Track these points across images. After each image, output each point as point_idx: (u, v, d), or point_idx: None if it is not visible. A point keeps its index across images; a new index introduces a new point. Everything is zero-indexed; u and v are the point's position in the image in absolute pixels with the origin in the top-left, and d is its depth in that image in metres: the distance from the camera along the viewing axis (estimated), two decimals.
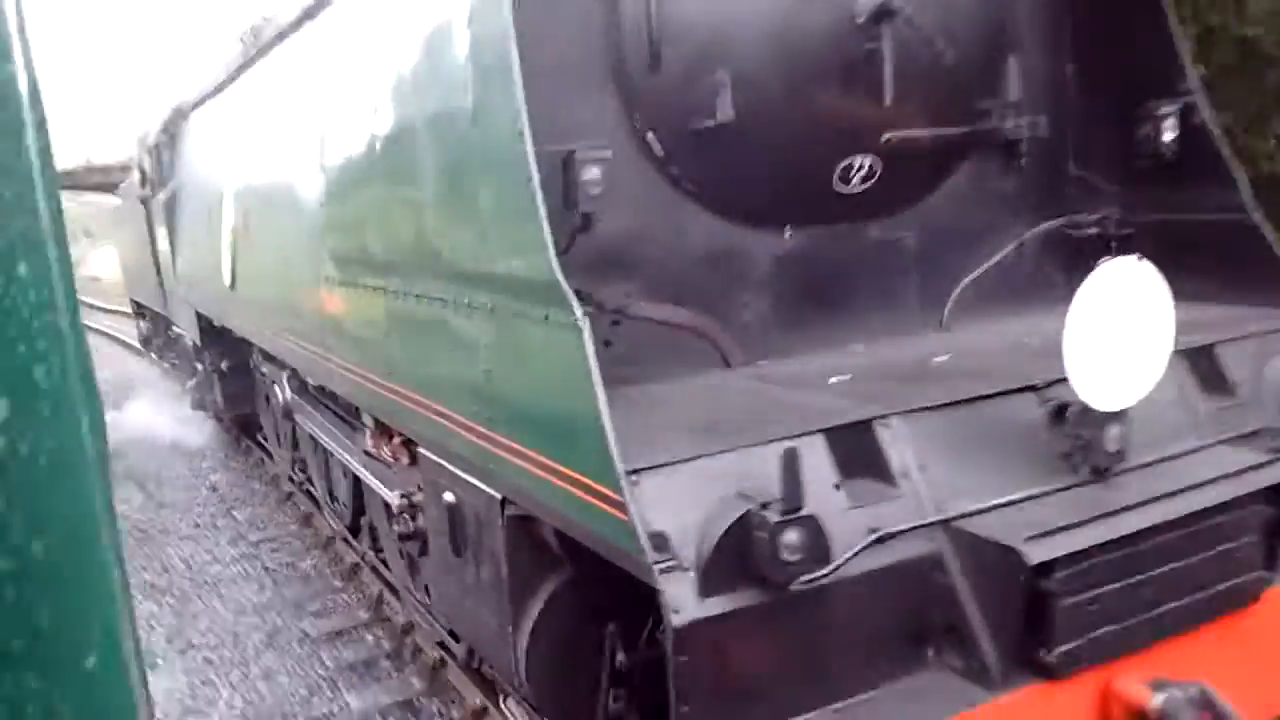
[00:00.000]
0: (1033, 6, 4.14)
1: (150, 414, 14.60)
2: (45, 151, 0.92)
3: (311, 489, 8.13)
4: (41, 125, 0.91)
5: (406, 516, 4.56)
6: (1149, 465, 2.99)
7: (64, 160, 60.15)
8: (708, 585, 2.46)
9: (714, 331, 3.66)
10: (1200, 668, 2.77)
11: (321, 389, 6.24)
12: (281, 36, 5.77)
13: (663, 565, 2.44)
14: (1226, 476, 2.94)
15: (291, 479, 9.11)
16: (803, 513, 2.43)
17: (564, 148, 3.17)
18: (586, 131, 3.37)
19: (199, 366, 11.39)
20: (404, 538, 4.62)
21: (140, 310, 17.98)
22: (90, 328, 26.13)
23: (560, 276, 2.76)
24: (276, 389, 7.53)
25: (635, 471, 2.53)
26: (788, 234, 3.84)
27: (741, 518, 2.47)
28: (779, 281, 3.85)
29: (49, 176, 0.92)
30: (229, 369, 9.90)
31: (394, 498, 4.76)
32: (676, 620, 2.40)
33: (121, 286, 21.81)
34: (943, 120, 3.76)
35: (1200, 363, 3.35)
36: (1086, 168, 4.26)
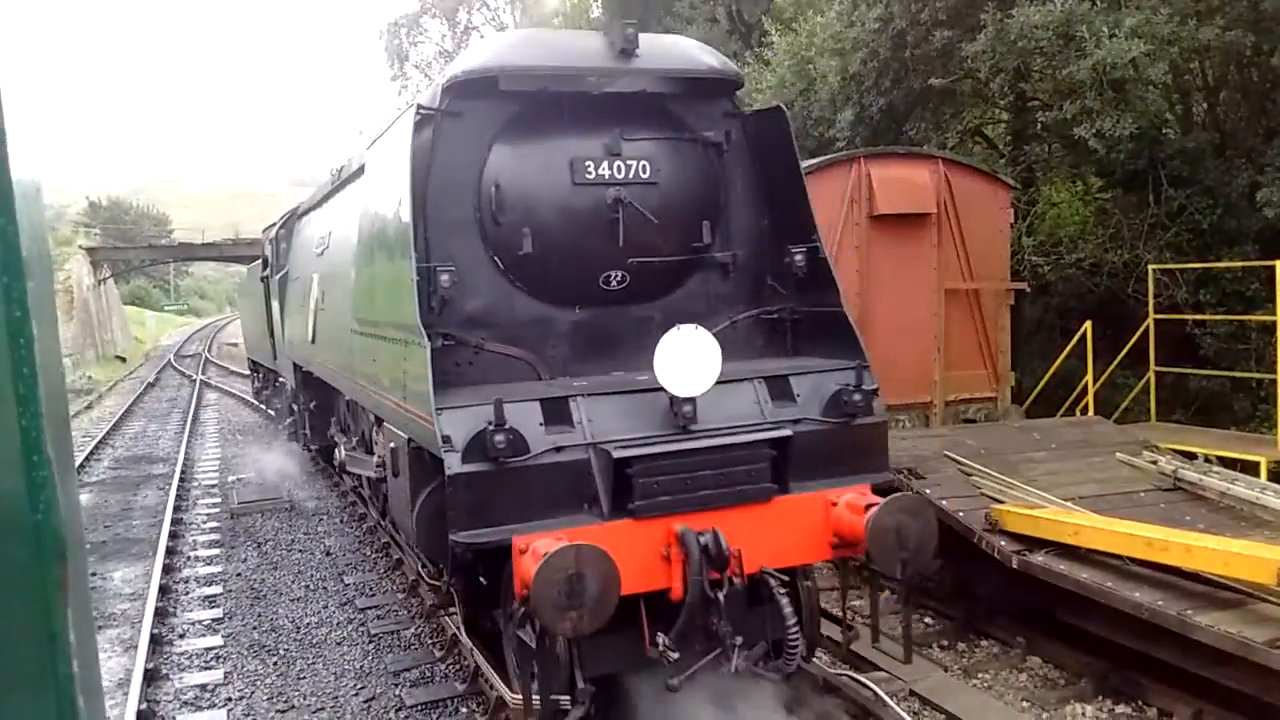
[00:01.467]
0: (740, 189, 6.90)
1: (273, 477, 15.12)
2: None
3: (362, 492, 10.64)
4: None
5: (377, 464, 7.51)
6: (719, 428, 5.54)
7: (213, 233, 63.60)
8: (465, 459, 5.09)
9: (534, 361, 6.36)
10: (729, 530, 5.23)
11: (354, 403, 8.92)
12: (344, 183, 9.16)
13: (445, 449, 5.08)
14: (750, 432, 5.60)
15: (354, 490, 11.82)
16: (506, 426, 5.07)
17: (431, 265, 5.95)
18: (462, 256, 6.20)
19: (294, 407, 14.47)
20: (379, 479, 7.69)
21: (255, 368, 22.86)
22: (225, 390, 27.41)
23: (420, 324, 5.48)
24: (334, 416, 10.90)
25: (440, 409, 5.18)
26: (577, 311, 6.54)
27: (481, 430, 5.08)
28: (574, 335, 6.53)
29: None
30: (315, 408, 12.37)
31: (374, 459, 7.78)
32: (449, 471, 5.07)
33: None
34: (668, 253, 6.52)
35: (776, 384, 5.94)
36: (775, 280, 6.85)
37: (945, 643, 7.76)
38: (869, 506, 5.48)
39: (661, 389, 5.39)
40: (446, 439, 5.10)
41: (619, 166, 6.27)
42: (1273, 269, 9.93)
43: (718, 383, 5.44)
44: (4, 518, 1.18)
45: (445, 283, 5.90)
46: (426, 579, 7.55)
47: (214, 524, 12.57)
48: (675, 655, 5.13)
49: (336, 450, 10.51)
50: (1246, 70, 13.15)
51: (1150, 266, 11.97)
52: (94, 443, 19.92)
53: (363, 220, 7.30)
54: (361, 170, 7.79)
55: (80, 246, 52.68)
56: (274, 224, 15.10)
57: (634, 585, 5.03)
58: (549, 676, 5.12)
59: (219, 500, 14.00)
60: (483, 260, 6.32)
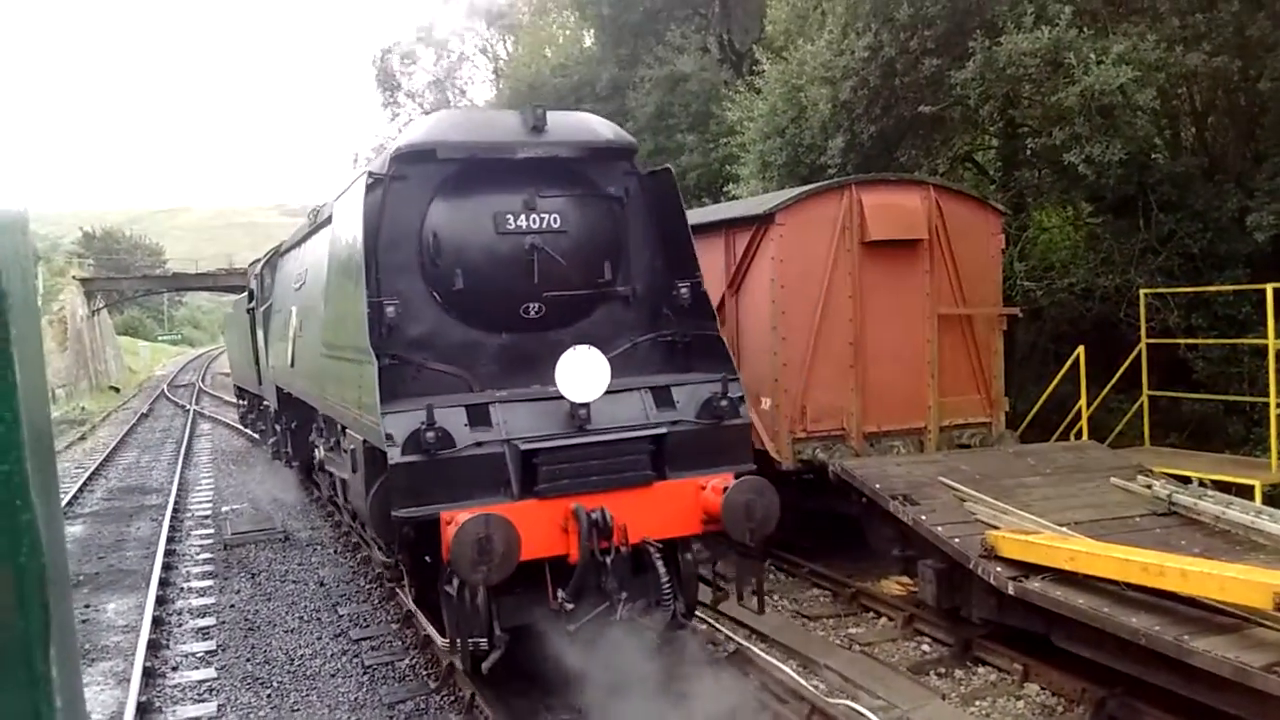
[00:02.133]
0: (638, 234, 8.13)
1: (268, 508, 15.06)
2: None
3: (336, 498, 11.47)
4: None
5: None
6: (609, 427, 6.82)
7: (207, 263, 63.63)
8: (404, 452, 6.30)
9: (467, 376, 7.49)
10: (615, 508, 6.46)
11: (327, 417, 9.85)
12: (317, 228, 10.22)
13: (389, 445, 6.30)
14: (634, 430, 6.89)
15: (330, 499, 12.67)
16: (436, 426, 6.30)
17: (380, 299, 7.14)
18: (407, 292, 7.42)
19: (277, 427, 15.67)
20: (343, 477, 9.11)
21: (241, 394, 24.64)
22: (219, 420, 27.32)
23: (370, 347, 6.75)
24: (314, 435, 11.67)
25: (385, 414, 6.40)
26: (503, 335, 7.70)
27: (417, 429, 6.30)
28: (500, 356, 7.69)
29: None
30: (295, 427, 13.50)
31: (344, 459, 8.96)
32: (391, 461, 6.29)
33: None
34: (576, 287, 7.69)
35: (661, 392, 7.24)
36: (669, 308, 8.07)
37: (942, 670, 7.73)
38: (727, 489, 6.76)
39: (563, 397, 6.72)
40: (389, 436, 6.39)
41: (535, 219, 7.59)
42: (1264, 292, 9.98)
43: (610, 391, 6.81)
44: None
45: (390, 314, 7.18)
46: (381, 557, 8.66)
47: (207, 555, 12.51)
48: (571, 607, 6.39)
49: (315, 461, 11.52)
50: (1234, 95, 13.27)
51: (1142, 291, 12.02)
52: (87, 474, 19.85)
53: (330, 261, 8.61)
54: (330, 219, 9.03)
55: (74, 277, 52.65)
56: (259, 260, 16.72)
57: (538, 550, 6.39)
58: (469, 624, 6.37)
59: (213, 531, 13.94)
60: (424, 295, 7.58)
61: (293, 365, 11.66)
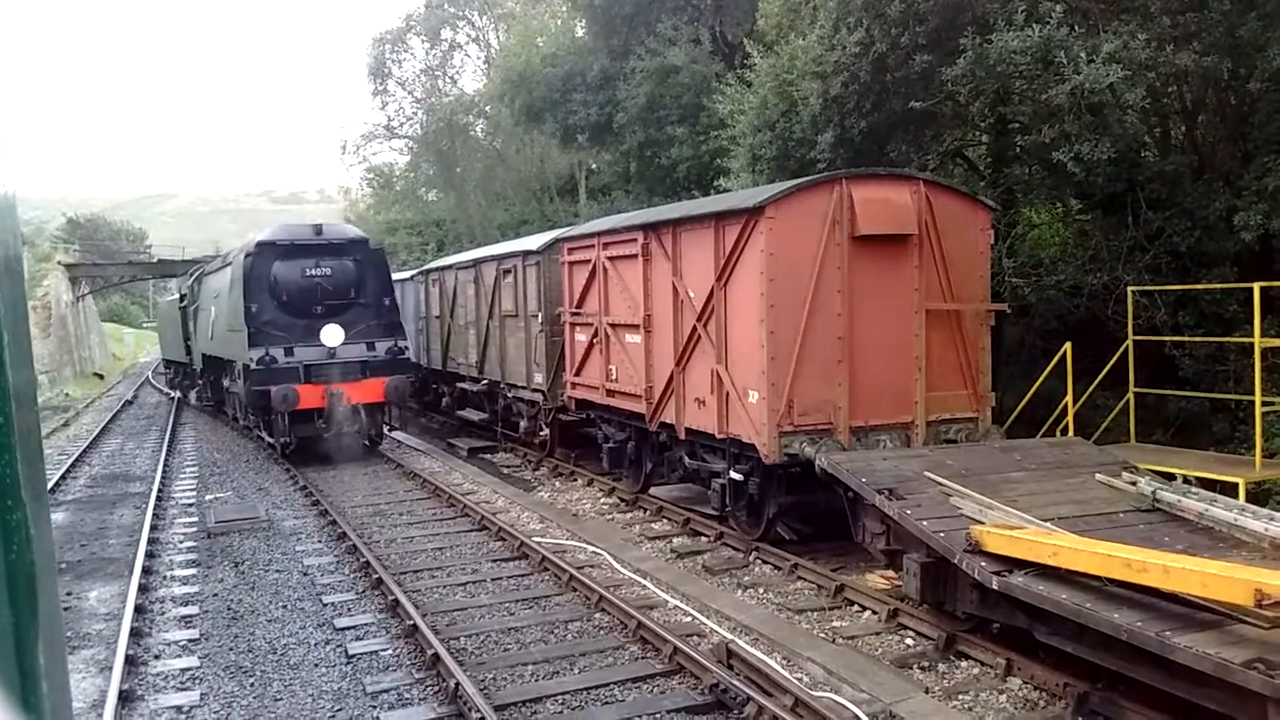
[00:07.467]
0: (370, 276, 19.69)
1: (251, 496, 15.00)
2: None
3: (249, 425, 21.24)
4: None
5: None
6: (346, 357, 18.69)
7: (193, 250, 63.36)
8: (256, 364, 18.15)
9: (289, 338, 18.56)
10: (346, 389, 18.32)
11: (231, 363, 20.91)
12: (226, 265, 21.91)
13: (251, 361, 18.20)
14: (356, 360, 18.78)
15: (234, 417, 23.12)
16: (269, 355, 18.20)
17: (249, 304, 18.77)
18: (263, 300, 18.86)
19: (200, 381, 27.77)
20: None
21: (169, 365, 38.22)
22: (201, 408, 27.16)
23: (245, 324, 18.66)
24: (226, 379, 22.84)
25: (250, 349, 18.28)
26: (305, 320, 18.75)
27: (263, 356, 18.13)
28: (304, 329, 18.72)
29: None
30: (212, 381, 24.91)
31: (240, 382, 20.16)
32: (250, 368, 18.24)
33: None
34: (339, 299, 19.28)
35: (370, 344, 19.11)
36: (383, 309, 19.79)
37: (926, 664, 7.75)
38: None
39: (325, 345, 18.25)
40: (251, 358, 17.85)
41: (320, 270, 18.84)
42: (1250, 291, 10.02)
43: (346, 343, 18.46)
44: None
45: (254, 310, 18.38)
46: (250, 424, 21.11)
47: (191, 543, 12.46)
48: (325, 427, 18.16)
49: (227, 399, 22.91)
50: (1224, 94, 13.30)
51: (1129, 288, 12.06)
52: (70, 460, 19.76)
53: (230, 285, 19.62)
54: (231, 264, 19.92)
55: (59, 263, 52.28)
56: (187, 277, 29.63)
57: (310, 404, 17.84)
58: (281, 432, 18.24)
59: (196, 519, 13.89)
60: (270, 302, 18.51)
61: (212, 339, 22.41)
